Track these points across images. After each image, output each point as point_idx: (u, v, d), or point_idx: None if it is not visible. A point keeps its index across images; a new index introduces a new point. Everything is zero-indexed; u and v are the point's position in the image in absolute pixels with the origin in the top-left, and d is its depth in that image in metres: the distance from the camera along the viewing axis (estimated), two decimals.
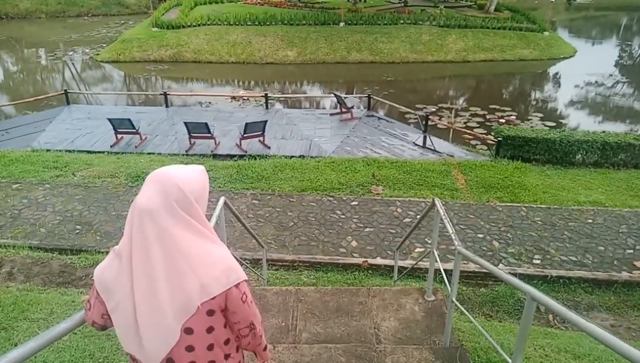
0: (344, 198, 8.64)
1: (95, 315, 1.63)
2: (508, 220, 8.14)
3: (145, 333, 1.49)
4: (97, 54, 26.55)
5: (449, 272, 3.82)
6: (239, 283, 1.58)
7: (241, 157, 10.63)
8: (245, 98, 18.07)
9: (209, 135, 10.78)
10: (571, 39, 32.35)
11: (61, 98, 14.59)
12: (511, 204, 8.64)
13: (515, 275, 6.91)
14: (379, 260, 7.05)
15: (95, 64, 25.32)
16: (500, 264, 7.09)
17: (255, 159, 10.48)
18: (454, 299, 3.34)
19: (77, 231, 7.56)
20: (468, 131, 12.90)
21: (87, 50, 28.02)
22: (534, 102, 21.14)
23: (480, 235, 7.69)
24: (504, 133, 10.64)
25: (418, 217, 8.06)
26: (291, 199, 8.57)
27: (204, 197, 1.61)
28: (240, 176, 9.37)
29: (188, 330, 1.52)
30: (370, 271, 6.94)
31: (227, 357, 1.67)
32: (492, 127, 12.45)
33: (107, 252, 7.51)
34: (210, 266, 1.51)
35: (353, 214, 8.14)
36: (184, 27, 27.09)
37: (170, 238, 1.46)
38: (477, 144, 13.20)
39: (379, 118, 13.58)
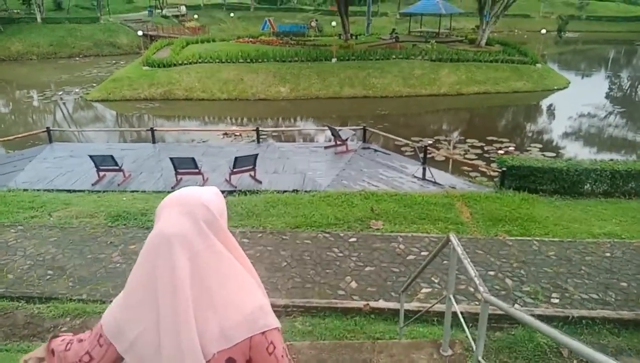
0: (342, 234, 7.99)
1: None
2: (520, 255, 7.49)
3: None
4: (87, 93, 26.28)
5: (467, 319, 3.15)
6: (266, 331, 1.34)
7: (230, 192, 10.02)
8: (237, 134, 17.63)
9: (196, 170, 10.19)
10: (562, 71, 32.50)
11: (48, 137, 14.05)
12: (522, 238, 8.02)
13: (533, 315, 6.23)
14: (381, 303, 6.34)
15: (87, 104, 24.98)
16: (516, 304, 6.40)
17: (246, 194, 9.87)
18: (480, 359, 2.68)
19: (48, 277, 6.83)
20: (469, 161, 12.38)
21: (77, 90, 27.79)
22: (531, 133, 20.90)
23: (492, 273, 7.03)
24: (508, 163, 10.12)
25: (423, 254, 7.43)
26: (284, 237, 7.91)
27: (225, 219, 1.43)
28: (230, 213, 8.61)
29: None
30: (372, 315, 6.22)
31: None
32: (493, 157, 11.95)
33: (81, 300, 6.07)
34: (237, 308, 1.31)
35: (352, 252, 7.47)
36: (175, 65, 26.96)
37: (198, 266, 1.28)
38: (476, 176, 12.70)
39: (376, 150, 13.09)
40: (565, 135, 20.49)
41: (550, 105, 25.85)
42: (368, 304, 6.28)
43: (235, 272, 1.37)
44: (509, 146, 17.41)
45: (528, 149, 17.68)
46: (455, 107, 24.95)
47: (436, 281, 6.83)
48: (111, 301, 1.44)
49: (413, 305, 6.24)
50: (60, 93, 27.49)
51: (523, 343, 5.97)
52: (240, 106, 24.32)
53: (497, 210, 9.01)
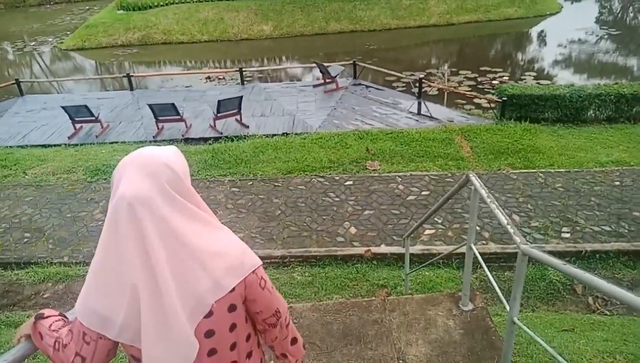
0: (337, 177, 7.53)
1: (99, 360, 1.30)
2: (525, 189, 7.10)
3: (159, 351, 1.23)
4: (61, 42, 24.87)
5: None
6: (255, 270, 1.36)
7: (216, 139, 9.43)
8: (221, 77, 16.76)
9: (178, 117, 9.54)
10: None
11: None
12: (526, 171, 7.61)
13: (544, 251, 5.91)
14: (384, 248, 5.98)
15: (64, 55, 23.62)
16: (529, 242, 6.05)
17: (233, 140, 9.29)
18: (516, 319, 2.27)
19: (25, 240, 6.38)
20: (467, 93, 11.76)
21: (50, 40, 26.32)
22: (524, 62, 20.16)
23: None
24: (508, 92, 9.55)
25: (423, 193, 7.02)
26: (276, 184, 7.44)
27: (188, 175, 1.33)
28: (216, 161, 8.20)
29: (209, 333, 1.30)
30: (374, 262, 5.88)
31: (249, 355, 1.47)
32: (488, 88, 11.32)
33: (62, 263, 5.41)
34: (221, 256, 1.29)
35: (348, 196, 7.04)
36: (150, 7, 25.45)
37: (170, 231, 1.21)
38: (471, 108, 12.12)
39: (367, 86, 12.39)
40: (560, 62, 19.77)
41: (543, 31, 24.87)
42: (369, 250, 5.92)
43: (209, 226, 1.32)
44: (503, 76, 16.75)
45: (522, 78, 17.01)
46: (446, 38, 23.92)
47: (439, 221, 6.46)
48: None
49: (417, 249, 5.89)
50: (32, 43, 26.02)
51: (535, 281, 5.69)
52: (222, 48, 23.13)
53: (499, 142, 8.54)
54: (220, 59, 21.91)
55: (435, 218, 6.50)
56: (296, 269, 5.81)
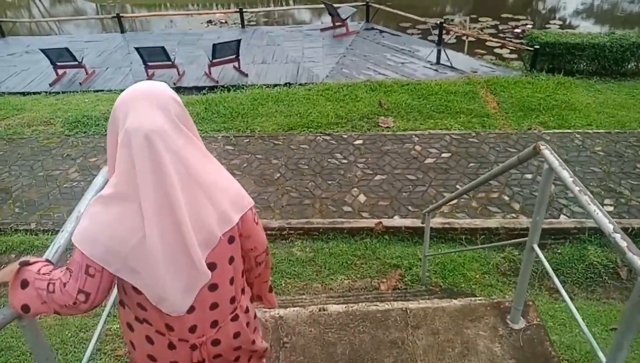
0: (345, 136, 6.64)
1: (102, 296, 1.28)
2: (560, 152, 6.19)
3: (171, 279, 1.24)
4: None
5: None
6: (251, 206, 1.42)
7: (211, 89, 8.49)
8: (223, 21, 15.54)
9: (169, 63, 8.56)
10: None
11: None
12: (560, 131, 6.68)
13: (583, 229, 5.10)
14: (397, 221, 5.17)
15: None
16: (562, 215, 5.24)
17: (229, 90, 8.33)
18: None
19: None
20: (494, 40, 10.60)
21: None
22: (549, 9, 18.68)
23: (529, 176, 5.79)
24: (540, 39, 8.45)
25: (444, 156, 6.15)
26: (276, 141, 6.56)
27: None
28: (210, 114, 7.30)
29: (211, 266, 1.31)
30: (386, 236, 5.09)
31: (243, 290, 1.51)
32: (524, 34, 10.13)
33: (28, 231, 4.37)
34: (224, 191, 1.33)
35: (358, 157, 6.17)
36: None
37: (182, 163, 1.22)
38: (492, 59, 10.99)
39: (381, 31, 11.22)
40: (589, 10, 18.29)
41: None
42: (380, 222, 5.12)
43: (212, 162, 1.34)
44: (527, 24, 15.49)
45: (547, 26, 15.72)
46: None
47: (459, 187, 5.61)
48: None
49: (436, 222, 5.07)
50: None
51: (572, 263, 4.89)
52: None
53: (529, 97, 7.55)
54: (225, 2, 20.51)
55: (457, 186, 5.66)
56: (296, 243, 5.05)
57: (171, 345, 1.39)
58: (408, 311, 2.43)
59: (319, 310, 2.39)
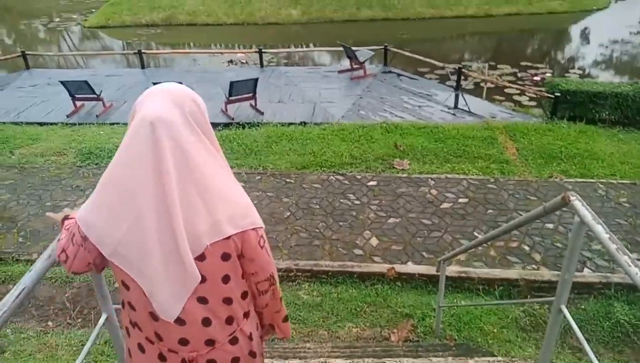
0: (358, 176, 6.47)
1: (79, 266, 1.34)
2: (576, 193, 5.92)
3: (162, 274, 1.22)
4: (86, 20, 24.32)
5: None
6: (257, 227, 1.33)
7: (227, 125, 8.46)
8: (244, 61, 15.79)
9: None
10: None
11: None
12: (583, 180, 6.43)
13: (609, 284, 4.78)
14: (411, 267, 4.92)
15: (93, 33, 22.97)
16: (585, 269, 4.93)
17: (244, 127, 8.29)
18: None
19: None
20: (513, 85, 10.48)
21: (74, 17, 25.78)
22: (568, 59, 18.68)
23: (550, 226, 5.52)
24: (561, 87, 8.33)
25: (460, 201, 5.92)
26: (288, 180, 6.42)
27: (210, 125, 1.32)
28: (224, 150, 7.05)
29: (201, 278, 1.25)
30: (398, 283, 4.84)
31: (246, 315, 1.42)
32: (544, 82, 10.02)
33: (30, 261, 4.34)
34: (227, 202, 1.26)
35: (371, 199, 5.98)
36: None
37: (185, 159, 1.19)
38: (510, 106, 10.88)
39: (399, 74, 11.22)
40: (609, 61, 18.25)
41: (590, 27, 23.19)
42: (393, 268, 4.87)
43: (225, 171, 1.31)
44: (546, 72, 15.43)
45: (566, 75, 15.65)
46: (484, 30, 22.52)
47: (480, 236, 5.35)
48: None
49: (451, 271, 4.80)
50: (57, 20, 25.52)
51: (597, 320, 4.56)
52: (249, 31, 22.22)
53: (550, 145, 7.35)
54: (246, 43, 20.96)
55: (475, 232, 5.41)
56: (303, 286, 4.81)
57: (162, 356, 1.36)
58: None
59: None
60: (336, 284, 4.81)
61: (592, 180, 6.43)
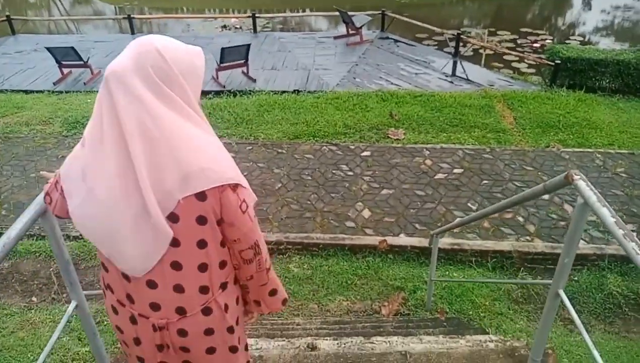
0: (352, 146, 6.33)
1: (60, 211, 1.32)
2: (580, 172, 5.81)
3: (130, 233, 1.16)
4: None
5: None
6: (238, 187, 1.22)
7: (218, 93, 8.24)
8: (237, 26, 15.38)
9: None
10: None
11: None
12: (580, 150, 6.31)
13: (603, 256, 4.72)
14: (403, 239, 4.84)
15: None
16: (581, 241, 4.84)
17: (236, 95, 8.09)
18: None
19: None
20: (513, 52, 10.23)
21: None
22: (568, 25, 18.31)
23: (546, 197, 5.42)
24: (562, 54, 8.10)
25: (455, 171, 5.81)
26: (279, 150, 6.28)
27: (194, 78, 1.23)
28: (214, 119, 7.05)
29: (173, 241, 1.18)
30: (390, 255, 4.76)
31: (224, 286, 1.34)
32: (545, 48, 9.75)
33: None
34: (197, 152, 1.16)
35: (364, 169, 5.86)
36: None
37: (146, 112, 1.12)
38: (509, 74, 10.65)
39: (396, 40, 10.92)
40: (610, 27, 17.87)
41: None
42: (385, 240, 4.79)
43: (199, 127, 1.21)
44: (546, 39, 15.15)
45: (567, 42, 15.34)
46: None
47: (473, 207, 5.27)
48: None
49: (444, 243, 4.72)
50: None
51: (590, 292, 4.52)
52: None
53: (548, 113, 7.19)
54: (240, 8, 20.42)
55: (469, 204, 5.32)
56: (293, 259, 4.74)
57: (133, 318, 1.32)
58: (408, 356, 2.09)
59: (307, 348, 2.07)
60: (327, 257, 4.73)
61: (589, 150, 6.31)
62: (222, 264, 1.31)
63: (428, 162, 6.00)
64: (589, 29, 17.66)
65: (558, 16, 19.65)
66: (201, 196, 1.16)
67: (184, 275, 1.24)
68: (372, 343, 2.26)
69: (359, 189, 5.51)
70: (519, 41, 14.55)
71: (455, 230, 4.93)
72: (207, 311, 1.32)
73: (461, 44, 10.27)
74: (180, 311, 1.29)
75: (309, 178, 5.70)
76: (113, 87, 1.12)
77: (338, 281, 4.43)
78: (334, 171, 5.82)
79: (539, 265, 4.74)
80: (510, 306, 4.29)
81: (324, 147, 6.30)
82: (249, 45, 8.52)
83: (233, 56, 8.39)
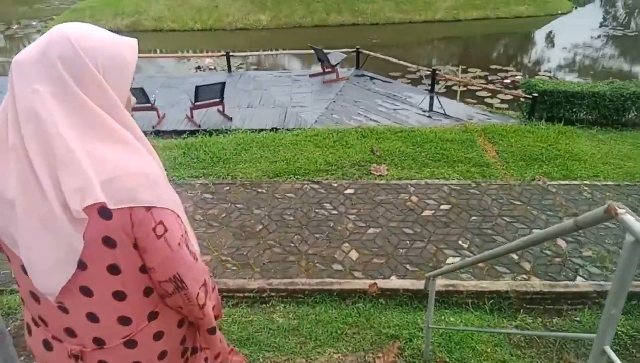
0: (334, 184, 6.08)
1: None
2: (569, 206, 5.69)
3: (35, 243, 1.00)
4: (46, 27, 23.44)
5: None
6: (151, 209, 1.02)
7: (193, 133, 7.97)
8: (212, 67, 15.32)
9: (148, 105, 8.07)
10: None
11: None
12: (567, 183, 6.20)
13: (603, 293, 4.50)
14: (394, 282, 4.54)
15: None
16: (578, 277, 4.65)
17: (211, 134, 7.81)
18: None
19: None
20: (490, 87, 10.31)
21: (34, 24, 24.90)
22: (534, 61, 18.91)
23: (537, 231, 5.21)
24: (538, 87, 8.16)
25: (443, 207, 5.59)
26: (259, 189, 5.98)
27: (120, 75, 1.05)
28: (189, 159, 6.74)
29: (80, 263, 1.02)
30: (382, 300, 4.44)
31: (153, 315, 1.15)
32: (519, 83, 9.84)
33: None
34: (102, 163, 0.98)
35: (349, 208, 5.60)
36: None
37: (43, 107, 0.96)
38: (485, 109, 10.71)
39: (372, 77, 10.94)
40: (572, 63, 18.52)
41: (554, 31, 23.55)
42: (376, 284, 4.48)
43: (104, 135, 1.01)
44: (516, 75, 15.62)
45: (536, 77, 15.76)
46: (453, 35, 22.66)
47: (465, 245, 5.03)
48: None
49: (438, 284, 4.43)
50: (15, 27, 24.53)
51: (593, 332, 4.28)
52: (216, 37, 21.73)
53: (530, 146, 7.12)
54: (214, 48, 20.44)
55: (459, 241, 5.07)
56: (277, 307, 4.36)
57: (47, 342, 1.16)
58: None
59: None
60: (314, 304, 4.38)
61: (575, 182, 6.20)
62: (147, 292, 1.12)
63: (414, 198, 5.78)
64: (553, 65, 18.27)
65: (523, 54, 20.32)
66: (105, 214, 0.98)
67: (97, 303, 1.08)
68: None
69: (345, 229, 5.22)
70: (490, 77, 14.93)
71: (450, 276, 4.67)
72: (131, 344, 1.14)
73: (442, 76, 10.33)
74: (98, 342, 1.12)
75: (292, 218, 5.40)
76: (15, 78, 0.99)
77: (327, 331, 4.07)
78: (317, 210, 5.53)
79: (537, 306, 4.48)
80: (512, 352, 3.99)
81: (306, 185, 6.03)
82: (224, 83, 8.34)
83: (208, 94, 8.17)
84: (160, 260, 1.07)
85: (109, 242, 1.01)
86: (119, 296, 1.08)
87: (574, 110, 8.14)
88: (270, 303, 4.41)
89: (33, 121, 0.97)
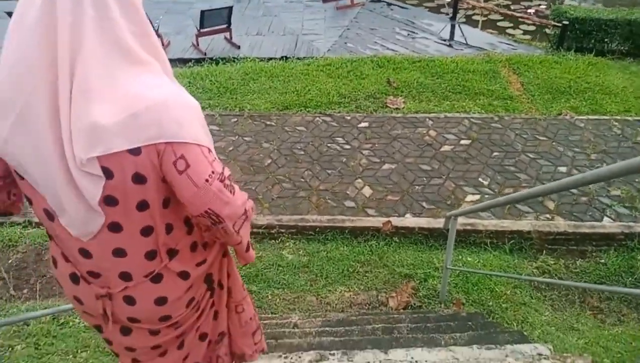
0: (348, 117, 5.76)
1: None
2: (598, 142, 5.36)
3: (60, 185, 0.97)
4: None
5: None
6: (172, 143, 0.98)
7: (198, 61, 7.58)
8: None
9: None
10: None
11: None
12: (596, 117, 5.82)
13: (632, 235, 4.26)
14: (409, 220, 4.33)
15: None
16: (605, 217, 4.39)
17: (218, 63, 7.42)
18: None
19: None
20: (517, 14, 9.65)
21: None
22: None
23: (563, 169, 4.95)
24: (569, 14, 7.53)
25: (463, 142, 5.29)
26: (268, 122, 5.69)
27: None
28: (194, 89, 6.42)
29: (109, 199, 1.00)
30: (396, 238, 4.25)
31: (171, 252, 1.15)
32: (552, 9, 9.13)
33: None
34: (129, 97, 0.94)
35: (363, 142, 5.31)
36: None
37: (86, 38, 0.91)
38: (511, 37, 10.09)
39: (389, 3, 10.27)
40: None
41: None
42: (389, 222, 4.27)
43: (140, 67, 0.98)
44: (540, 4, 14.66)
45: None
46: None
47: (485, 183, 4.77)
48: None
49: (457, 223, 4.21)
50: None
51: (619, 276, 4.03)
52: None
53: (557, 78, 6.66)
54: None
55: (480, 179, 4.81)
56: (287, 244, 4.21)
57: (74, 276, 1.15)
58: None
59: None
60: (325, 241, 4.22)
61: (605, 117, 5.82)
62: (168, 228, 1.12)
63: (432, 132, 5.46)
64: None
65: None
66: (134, 149, 0.95)
67: (125, 239, 1.08)
68: (391, 360, 1.75)
69: (358, 164, 4.96)
70: (512, 7, 14.05)
71: (466, 208, 4.43)
72: (157, 278, 1.15)
73: (465, 2, 9.67)
74: (125, 277, 1.13)
75: (302, 153, 5.13)
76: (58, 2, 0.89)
77: (338, 269, 3.93)
78: (329, 145, 5.25)
79: (561, 247, 4.28)
80: (533, 294, 3.83)
81: (317, 118, 5.71)
82: (231, 7, 7.84)
83: (214, 20, 7.70)
84: (187, 197, 1.03)
85: (138, 179, 0.99)
86: (147, 231, 1.08)
87: (606, 40, 7.55)
88: (279, 240, 4.25)
89: (81, 47, 0.92)
